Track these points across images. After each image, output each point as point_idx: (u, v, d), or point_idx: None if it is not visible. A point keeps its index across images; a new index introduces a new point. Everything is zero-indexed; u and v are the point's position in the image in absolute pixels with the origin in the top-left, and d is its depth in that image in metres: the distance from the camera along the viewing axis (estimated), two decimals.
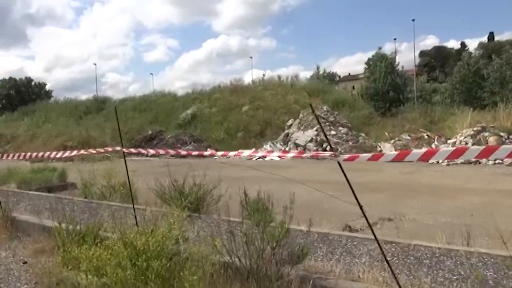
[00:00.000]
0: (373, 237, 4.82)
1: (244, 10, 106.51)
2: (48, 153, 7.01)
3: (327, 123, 19.75)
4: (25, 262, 5.06)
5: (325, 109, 21.67)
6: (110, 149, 6.86)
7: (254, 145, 24.31)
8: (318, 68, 44.70)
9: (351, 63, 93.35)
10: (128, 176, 4.80)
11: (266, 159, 18.65)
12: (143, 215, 5.10)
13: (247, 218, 6.07)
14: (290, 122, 23.51)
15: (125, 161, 4.89)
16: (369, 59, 58.35)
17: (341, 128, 19.63)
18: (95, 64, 63.17)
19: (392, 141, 17.82)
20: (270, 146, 20.49)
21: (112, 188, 8.23)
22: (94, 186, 8.56)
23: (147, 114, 31.97)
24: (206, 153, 7.36)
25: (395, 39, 55.41)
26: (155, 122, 30.18)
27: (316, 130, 19.45)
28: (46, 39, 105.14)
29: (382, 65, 36.62)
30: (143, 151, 7.16)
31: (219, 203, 6.59)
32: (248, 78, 79.60)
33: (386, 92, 34.32)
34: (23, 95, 54.96)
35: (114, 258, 3.86)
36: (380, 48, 40.46)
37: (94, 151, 6.18)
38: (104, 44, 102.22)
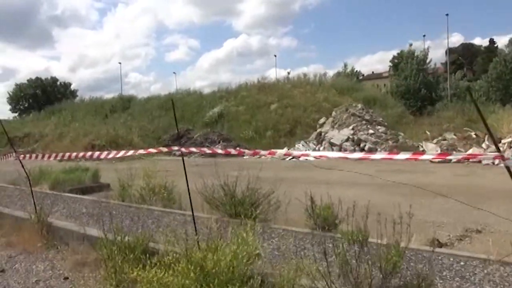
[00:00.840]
0: (480, 255, 4.00)
1: (265, 9, 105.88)
2: (98, 153, 6.39)
3: (364, 122, 18.78)
4: (66, 278, 4.41)
5: (359, 107, 20.70)
6: (165, 149, 6.17)
7: (284, 144, 23.52)
8: (345, 65, 43.50)
9: (372, 62, 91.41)
10: (186, 178, 4.07)
11: (301, 159, 17.82)
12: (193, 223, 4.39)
13: (313, 227, 5.26)
14: (322, 120, 22.62)
15: (183, 161, 4.19)
16: (394, 57, 57.03)
17: (378, 126, 18.63)
18: (120, 63, 64.08)
19: (435, 141, 16.74)
20: (303, 145, 19.65)
21: (152, 190, 7.58)
22: (131, 187, 7.93)
23: (172, 112, 31.51)
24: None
25: (424, 35, 53.75)
26: (181, 120, 29.64)
27: (353, 128, 18.51)
28: (71, 40, 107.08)
29: (413, 62, 35.36)
30: (196, 150, 6.38)
31: (275, 208, 5.86)
32: (270, 76, 78.68)
33: (418, 90, 33.01)
34: (49, 94, 55.83)
35: (178, 281, 3.16)
36: (410, 45, 39.16)
37: (144, 151, 5.46)
38: (127, 44, 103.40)
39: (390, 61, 54.55)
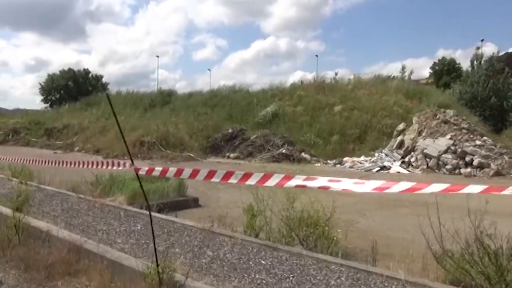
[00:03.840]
0: None
1: (295, 12, 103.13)
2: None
3: (464, 131, 15.81)
4: None
5: (452, 114, 17.72)
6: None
7: (353, 151, 20.75)
8: (403, 68, 40.10)
9: (401, 69, 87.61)
10: None
11: (391, 171, 15.02)
12: None
13: None
14: (401, 126, 19.74)
15: None
16: (434, 63, 53.48)
17: (485, 137, 15.65)
18: (157, 56, 62.10)
19: None
20: (386, 154, 16.81)
21: (305, 224, 4.97)
22: (262, 214, 5.36)
23: (219, 110, 29.09)
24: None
25: (482, 40, 49.45)
26: (229, 119, 27.19)
27: (451, 138, 15.57)
28: (102, 35, 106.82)
29: (481, 67, 32.03)
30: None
31: None
32: (293, 79, 76.97)
33: (487, 98, 29.68)
34: (80, 86, 55.15)
35: None
36: (478, 48, 35.47)
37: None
38: (156, 41, 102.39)
39: (430, 68, 51.14)
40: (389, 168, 15.23)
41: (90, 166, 5.44)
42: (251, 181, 3.22)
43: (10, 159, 10.16)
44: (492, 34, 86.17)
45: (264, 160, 18.56)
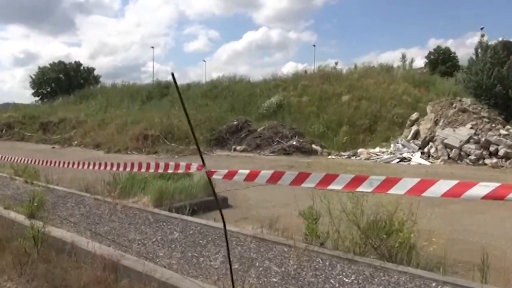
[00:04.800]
0: None
1: (287, 2, 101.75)
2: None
3: (485, 120, 15.18)
4: None
5: (469, 102, 17.09)
6: None
7: (364, 142, 20.06)
8: (403, 56, 39.33)
9: (393, 58, 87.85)
10: None
11: (412, 163, 14.36)
12: None
13: None
14: (414, 116, 19.06)
15: None
16: (430, 52, 53.09)
17: (508, 126, 15.03)
18: (152, 47, 60.50)
19: None
20: (403, 145, 16.13)
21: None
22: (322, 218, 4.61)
23: (220, 101, 28.18)
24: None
25: (482, 28, 48.76)
26: (232, 110, 26.32)
27: (472, 127, 14.93)
28: (92, 27, 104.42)
29: (486, 54, 31.42)
30: None
31: None
32: (287, 70, 76.69)
33: (492, 86, 29.13)
34: (72, 79, 54.00)
35: None
36: (483, 36, 34.79)
37: None
38: (147, 33, 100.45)
39: (426, 57, 50.65)
40: (409, 159, 14.55)
41: (127, 169, 4.55)
42: (337, 186, 2.46)
43: (13, 159, 9.27)
44: (482, 23, 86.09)
45: (275, 153, 17.79)
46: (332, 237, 4.40)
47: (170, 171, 3.89)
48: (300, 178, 2.35)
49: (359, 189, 2.16)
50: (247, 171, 2.58)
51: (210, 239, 4.74)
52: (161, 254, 4.23)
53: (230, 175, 2.69)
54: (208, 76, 77.83)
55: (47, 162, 7.89)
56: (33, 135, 26.37)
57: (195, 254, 4.23)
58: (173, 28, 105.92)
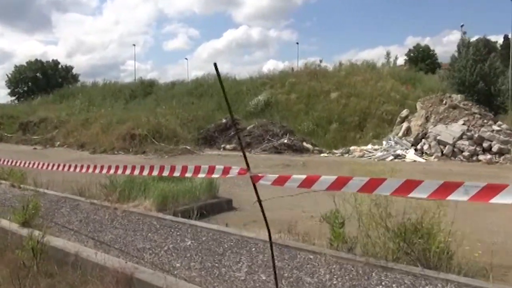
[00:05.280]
0: None
1: (267, 1, 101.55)
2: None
3: (477, 116, 15.22)
4: None
5: (459, 98, 17.16)
6: None
7: (354, 139, 19.99)
8: (388, 54, 39.60)
9: (372, 56, 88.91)
10: None
11: (406, 160, 14.28)
12: None
13: None
14: (404, 113, 19.08)
15: None
16: (410, 50, 53.86)
17: (499, 122, 15.10)
18: (134, 45, 59.49)
19: None
20: (396, 142, 16.06)
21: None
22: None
23: (207, 99, 27.67)
24: None
25: (462, 25, 49.53)
26: (219, 109, 25.85)
27: (464, 123, 14.94)
28: (69, 25, 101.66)
29: (469, 51, 31.81)
30: None
31: None
32: (267, 68, 77.25)
33: (474, 83, 29.53)
34: (49, 78, 52.84)
35: None
36: (464, 33, 35.23)
37: None
38: (126, 32, 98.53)
39: (406, 55, 51.39)
40: (404, 156, 14.45)
41: (135, 172, 4.15)
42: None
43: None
44: (458, 21, 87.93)
45: (266, 151, 17.50)
46: (361, 241, 4.11)
47: (202, 175, 3.48)
48: (371, 185, 2.04)
49: (453, 197, 1.87)
50: (302, 177, 2.26)
51: (226, 246, 4.39)
52: (177, 265, 3.87)
53: (280, 181, 2.36)
54: (188, 74, 77.19)
55: (35, 165, 7.39)
56: (12, 135, 25.39)
57: (215, 264, 3.88)
58: (152, 27, 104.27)
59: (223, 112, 25.11)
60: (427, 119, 16.94)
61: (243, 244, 4.44)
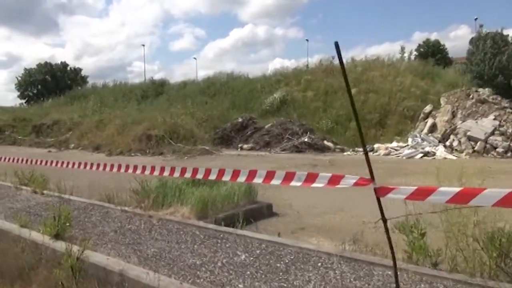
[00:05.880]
0: None
1: None
2: None
3: (509, 110, 14.57)
4: None
5: (487, 92, 16.48)
6: None
7: (375, 137, 19.38)
8: (402, 49, 38.85)
9: (379, 52, 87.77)
10: None
11: (437, 157, 13.68)
12: None
13: None
14: (428, 108, 18.44)
15: None
16: (419, 45, 52.89)
17: None
18: (143, 45, 59.58)
19: None
20: (423, 139, 15.45)
21: None
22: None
23: (220, 98, 27.23)
24: None
25: (476, 19, 48.51)
26: (233, 108, 25.44)
27: (495, 118, 14.29)
28: (76, 27, 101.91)
29: (487, 44, 30.98)
30: None
31: None
32: (273, 66, 76.53)
33: (493, 76, 28.72)
34: (59, 80, 52.77)
35: None
36: (481, 26, 34.37)
37: None
38: (132, 33, 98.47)
39: (415, 50, 50.28)
40: (433, 154, 13.84)
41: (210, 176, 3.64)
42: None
43: (17, 160, 8.32)
44: (466, 16, 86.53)
45: (286, 150, 16.98)
46: (448, 255, 3.58)
47: (320, 184, 2.96)
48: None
49: None
50: (456, 189, 1.74)
51: (287, 261, 3.89)
52: (240, 286, 3.37)
53: (420, 194, 1.84)
54: (196, 74, 76.73)
55: (60, 164, 7.02)
56: (25, 138, 25.13)
57: (282, 284, 3.38)
58: (158, 27, 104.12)
59: (237, 111, 24.68)
60: (453, 114, 16.30)
61: (305, 258, 3.93)
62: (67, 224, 4.71)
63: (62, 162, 7.39)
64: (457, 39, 70.72)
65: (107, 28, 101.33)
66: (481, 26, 35.95)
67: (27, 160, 8.36)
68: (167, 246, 4.41)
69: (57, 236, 4.62)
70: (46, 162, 7.86)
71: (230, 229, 4.93)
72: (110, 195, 6.78)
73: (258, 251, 4.16)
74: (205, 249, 4.30)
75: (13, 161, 8.73)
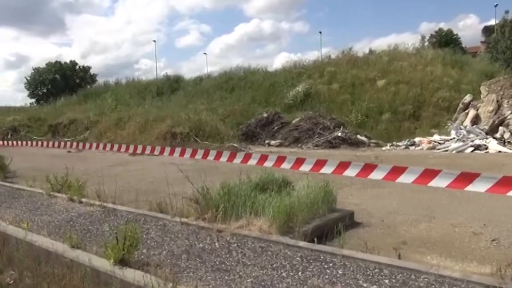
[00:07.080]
0: None
1: None
2: None
3: None
4: None
5: None
6: None
7: (409, 130, 18.35)
8: (423, 38, 37.59)
9: (385, 44, 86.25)
10: None
11: (490, 151, 12.62)
12: None
13: None
14: (468, 98, 17.36)
15: None
16: (431, 35, 51.28)
17: None
18: (154, 41, 58.86)
19: None
20: (469, 131, 14.40)
21: None
22: None
23: (239, 93, 26.27)
24: None
25: (496, 5, 46.93)
26: (254, 102, 24.49)
27: None
28: (83, 26, 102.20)
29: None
30: None
31: None
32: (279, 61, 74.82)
33: None
34: (68, 79, 52.47)
35: None
36: (507, 12, 32.97)
37: None
38: (138, 30, 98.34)
39: (428, 40, 48.78)
40: (485, 147, 12.81)
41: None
42: None
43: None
44: (472, 6, 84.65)
45: (319, 146, 16.03)
46: None
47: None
48: None
49: None
50: None
51: None
52: None
53: None
54: (203, 70, 75.82)
55: (105, 147, 6.16)
56: (41, 138, 24.41)
57: None
58: (164, 24, 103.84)
59: (259, 105, 23.74)
60: (498, 104, 15.21)
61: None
62: (134, 244, 3.81)
63: (107, 145, 6.55)
64: (466, 29, 69.07)
65: (113, 26, 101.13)
66: (506, 12, 34.50)
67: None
68: (264, 275, 3.50)
69: (122, 262, 3.74)
70: (91, 145, 7.02)
71: (329, 248, 4.03)
72: (161, 204, 5.90)
73: (387, 281, 3.24)
74: (315, 279, 3.38)
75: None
